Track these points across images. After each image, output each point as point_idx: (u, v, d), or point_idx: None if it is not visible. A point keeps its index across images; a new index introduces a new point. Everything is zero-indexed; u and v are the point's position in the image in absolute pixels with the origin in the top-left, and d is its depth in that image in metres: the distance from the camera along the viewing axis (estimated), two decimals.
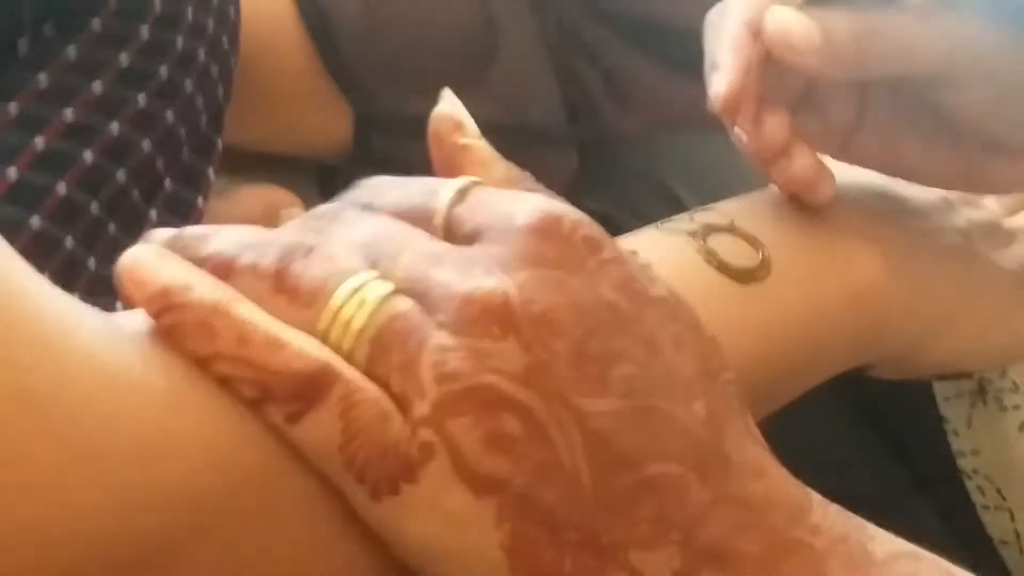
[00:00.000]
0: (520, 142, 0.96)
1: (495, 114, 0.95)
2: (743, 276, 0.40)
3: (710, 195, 0.61)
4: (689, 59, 1.02)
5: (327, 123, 0.97)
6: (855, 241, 0.43)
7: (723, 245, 0.41)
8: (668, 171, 0.60)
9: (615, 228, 0.66)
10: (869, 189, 0.46)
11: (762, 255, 0.41)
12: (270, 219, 0.87)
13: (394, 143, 0.97)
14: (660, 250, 0.40)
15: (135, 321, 0.30)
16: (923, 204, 0.46)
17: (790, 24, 0.40)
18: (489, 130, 0.95)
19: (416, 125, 0.95)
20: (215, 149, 0.69)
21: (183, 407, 0.28)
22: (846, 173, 0.45)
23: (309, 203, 0.92)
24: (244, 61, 0.88)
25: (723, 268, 0.40)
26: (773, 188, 0.46)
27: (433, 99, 0.95)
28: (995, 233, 0.47)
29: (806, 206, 0.44)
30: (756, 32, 0.41)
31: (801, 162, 0.42)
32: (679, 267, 0.40)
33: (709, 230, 0.42)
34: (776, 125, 0.42)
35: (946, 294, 0.44)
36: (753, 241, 0.42)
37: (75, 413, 0.26)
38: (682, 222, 0.42)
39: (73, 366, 0.27)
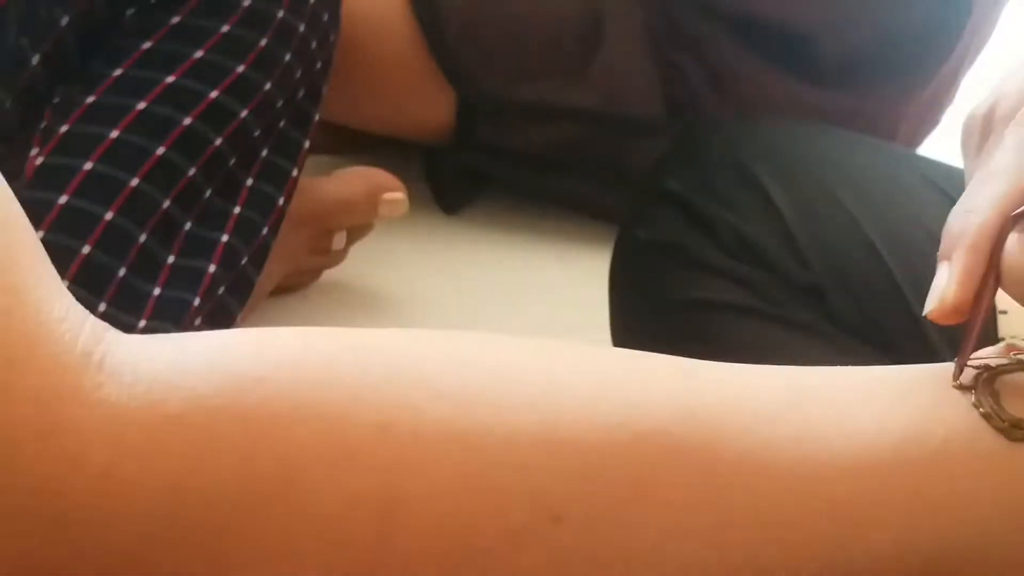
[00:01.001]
0: (615, 130, 0.97)
1: (594, 103, 0.96)
2: (1015, 431, 0.31)
3: (795, 187, 0.60)
4: (794, 58, 1.02)
5: (431, 108, 0.99)
6: None
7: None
8: (750, 155, 0.60)
9: (694, 211, 0.66)
10: None
11: None
12: (372, 201, 0.89)
13: (496, 129, 0.98)
14: (929, 384, 0.33)
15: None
16: None
17: None
18: (586, 118, 0.97)
19: (518, 112, 0.98)
20: (311, 121, 0.71)
21: None
22: None
23: (412, 186, 0.94)
24: (354, 45, 0.91)
25: (989, 417, 0.31)
26: None
27: (536, 86, 0.97)
28: None
29: None
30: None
31: None
32: (932, 408, 0.32)
33: (1019, 364, 0.33)
34: None
35: None
36: None
37: None
38: (990, 350, 0.34)
39: None
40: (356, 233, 0.92)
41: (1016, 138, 0.32)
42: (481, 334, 0.32)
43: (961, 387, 0.32)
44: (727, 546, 0.29)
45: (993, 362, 0.33)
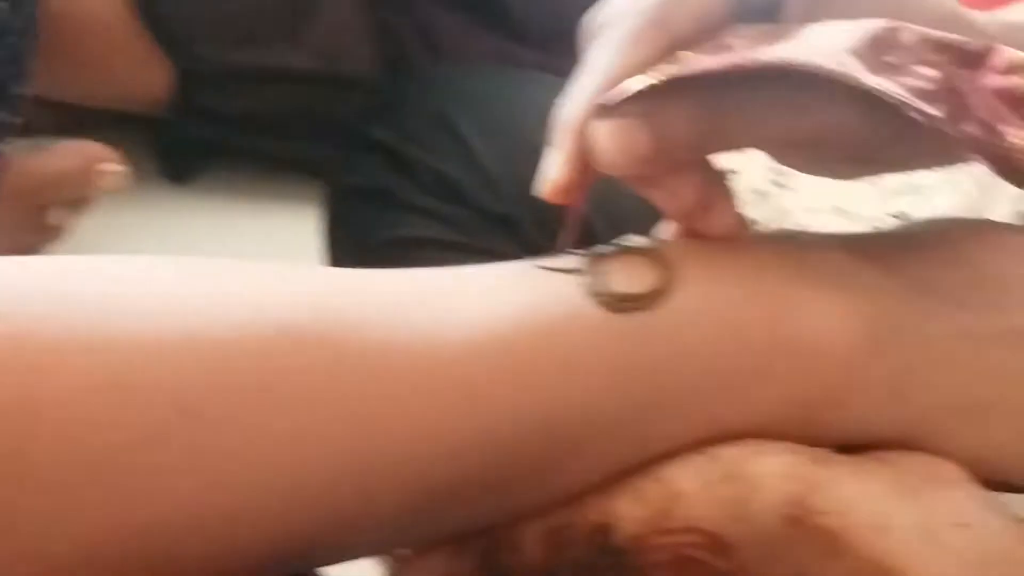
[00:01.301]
0: (334, 90, 0.98)
1: (311, 65, 0.97)
2: (616, 303, 0.34)
3: (485, 121, 0.64)
4: (495, 20, 1.06)
5: (148, 77, 0.97)
6: (819, 295, 0.36)
7: (626, 268, 0.36)
8: (447, 101, 0.63)
9: (396, 155, 0.69)
10: (911, 267, 0.38)
11: (659, 283, 0.35)
12: (87, 174, 0.88)
13: (215, 95, 0.98)
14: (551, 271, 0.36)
15: None
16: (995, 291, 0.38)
17: (607, 143, 0.35)
18: (304, 80, 0.98)
19: (236, 77, 0.98)
20: (15, 97, 0.69)
21: None
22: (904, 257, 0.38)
23: (143, 159, 0.93)
24: (60, 15, 0.88)
25: (596, 293, 0.35)
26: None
27: (252, 51, 0.97)
28: None
29: (774, 248, 0.38)
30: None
31: (721, 220, 0.38)
32: (548, 290, 0.35)
33: (623, 250, 0.37)
34: (687, 190, 0.37)
35: (981, 392, 0.37)
36: (666, 266, 0.36)
37: None
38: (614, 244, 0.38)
39: None
40: (76, 208, 0.90)
41: (604, 38, 0.37)
42: (127, 256, 0.33)
43: (558, 270, 0.36)
44: (365, 426, 0.31)
45: (601, 249, 0.37)
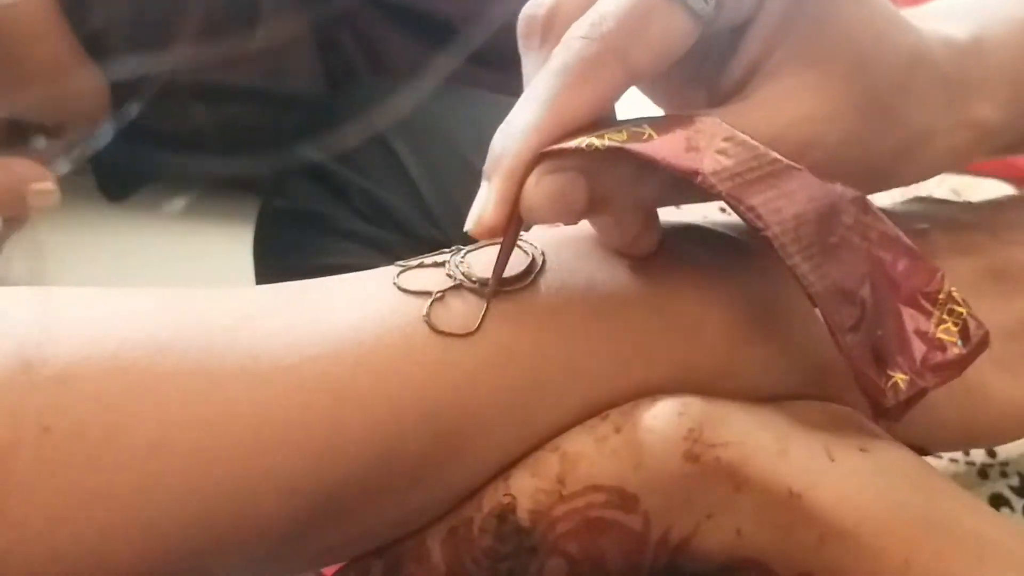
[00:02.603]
0: (278, 108, 0.96)
1: (254, 81, 0.95)
2: (482, 288, 0.35)
3: (422, 143, 0.62)
4: (443, 38, 1.04)
5: (81, 91, 0.95)
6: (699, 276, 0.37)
7: (490, 256, 0.36)
8: (383, 121, 0.61)
9: (330, 179, 0.67)
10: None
11: (525, 267, 0.36)
12: (17, 193, 0.85)
13: (154, 112, 0.95)
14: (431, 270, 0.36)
15: None
16: None
17: (540, 197, 0.33)
18: (247, 97, 0.95)
19: (176, 93, 0.96)
20: None
21: None
22: None
23: (78, 175, 0.89)
24: None
25: (460, 281, 0.35)
26: None
27: (192, 67, 0.95)
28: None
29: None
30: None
31: (649, 244, 0.38)
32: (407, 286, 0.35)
33: (488, 244, 0.37)
34: (632, 228, 0.37)
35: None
36: (533, 252, 0.36)
37: None
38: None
39: None
40: (8, 227, 0.87)
41: (559, 63, 0.34)
42: None
43: (422, 265, 0.36)
44: (230, 431, 0.30)
45: (464, 247, 0.38)
